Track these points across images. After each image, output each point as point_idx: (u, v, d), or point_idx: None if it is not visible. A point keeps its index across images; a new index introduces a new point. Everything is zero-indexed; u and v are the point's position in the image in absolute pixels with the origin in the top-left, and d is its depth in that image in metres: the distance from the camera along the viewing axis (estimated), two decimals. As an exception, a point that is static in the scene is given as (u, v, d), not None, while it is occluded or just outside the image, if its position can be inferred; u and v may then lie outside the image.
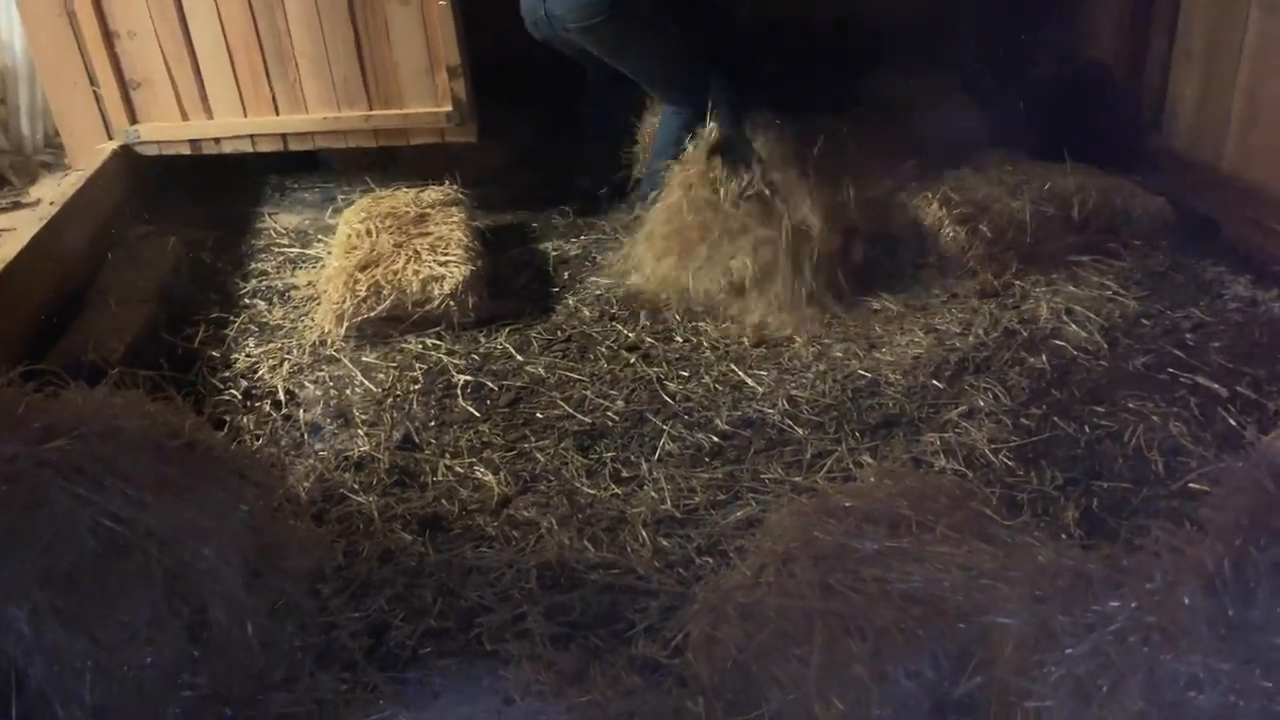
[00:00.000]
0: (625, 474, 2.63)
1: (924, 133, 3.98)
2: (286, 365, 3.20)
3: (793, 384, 2.95)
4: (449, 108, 3.85)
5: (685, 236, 3.46)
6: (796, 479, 2.56)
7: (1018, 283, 3.35)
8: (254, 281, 3.74)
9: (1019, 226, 3.41)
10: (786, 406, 2.86)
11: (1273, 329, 3.03)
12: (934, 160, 3.79)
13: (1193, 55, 3.93)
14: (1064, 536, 2.25)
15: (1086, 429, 2.67)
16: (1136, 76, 4.14)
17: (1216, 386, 2.77)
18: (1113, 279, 3.34)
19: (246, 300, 3.61)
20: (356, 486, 2.63)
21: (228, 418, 2.94)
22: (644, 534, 2.40)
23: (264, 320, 3.47)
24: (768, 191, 3.41)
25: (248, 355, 3.27)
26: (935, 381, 2.92)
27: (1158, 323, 3.11)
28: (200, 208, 4.29)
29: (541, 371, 3.09)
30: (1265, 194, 3.54)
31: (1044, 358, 2.97)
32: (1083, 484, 2.47)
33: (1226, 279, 3.33)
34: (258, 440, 2.84)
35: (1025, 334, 3.10)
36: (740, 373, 3.02)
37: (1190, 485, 2.33)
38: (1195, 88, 3.92)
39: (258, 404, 3.02)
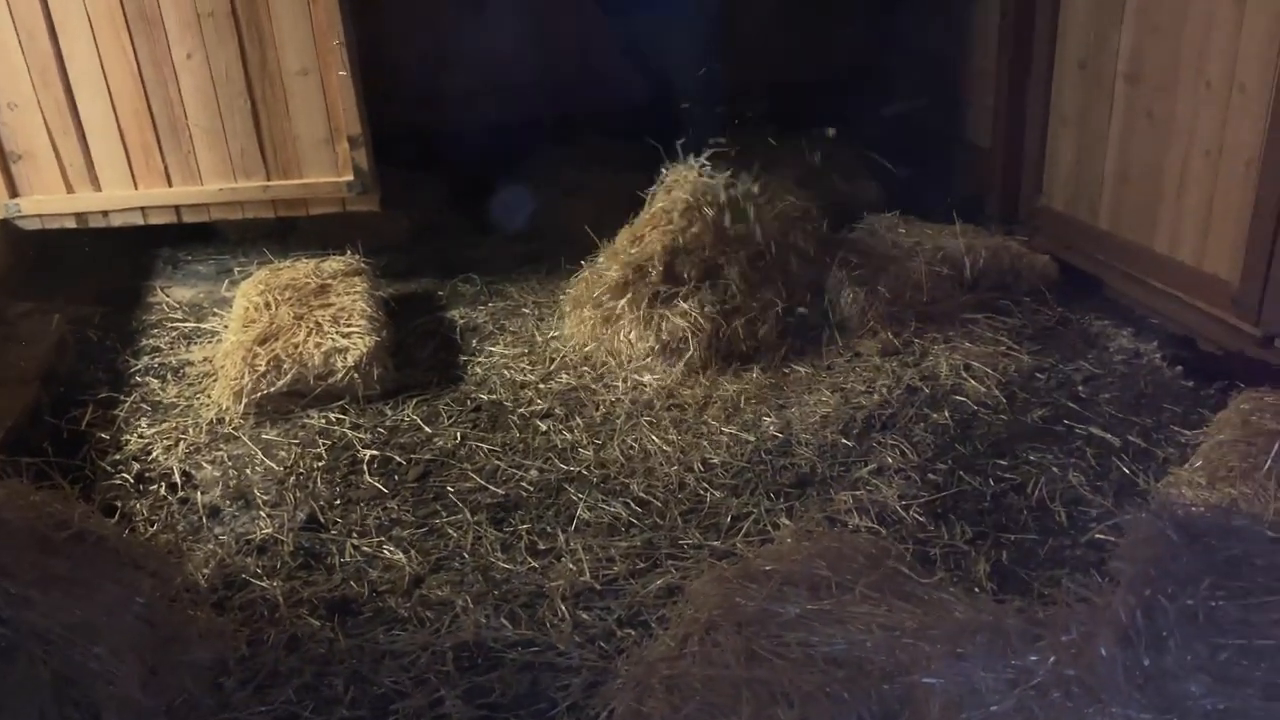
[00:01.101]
0: (542, 546, 2.59)
1: (826, 197, 4.11)
2: (182, 445, 3.07)
3: (708, 447, 2.96)
4: (350, 177, 3.81)
5: (604, 302, 3.48)
6: (715, 543, 2.56)
7: (917, 341, 3.44)
8: (146, 358, 3.60)
9: (915, 287, 3.52)
10: (702, 470, 2.86)
11: (1156, 379, 3.18)
12: (833, 222, 3.90)
13: (1068, 121, 4.16)
14: (977, 590, 2.29)
15: (991, 482, 2.74)
16: (1018, 143, 4.36)
17: (1109, 436, 2.89)
18: (1006, 335, 3.47)
19: (138, 378, 3.47)
20: (259, 571, 2.52)
21: (119, 504, 2.80)
22: (563, 608, 2.35)
23: (157, 399, 3.33)
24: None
25: (140, 436, 3.13)
26: (844, 440, 2.96)
27: (1051, 376, 3.24)
28: (87, 282, 4.13)
29: (452, 443, 3.04)
30: (1138, 250, 3.75)
31: (946, 413, 3.05)
32: (991, 537, 2.53)
33: (1111, 332, 3.49)
34: (152, 527, 2.71)
35: (927, 390, 3.18)
36: (656, 437, 3.01)
37: (1097, 536, 2.40)
38: (1071, 152, 4.15)
39: (152, 488, 2.88)
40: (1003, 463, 2.82)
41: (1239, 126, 3.30)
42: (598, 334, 3.45)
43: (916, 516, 2.61)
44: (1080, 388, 3.17)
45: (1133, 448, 2.84)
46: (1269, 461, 2.29)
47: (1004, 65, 4.42)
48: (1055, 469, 2.77)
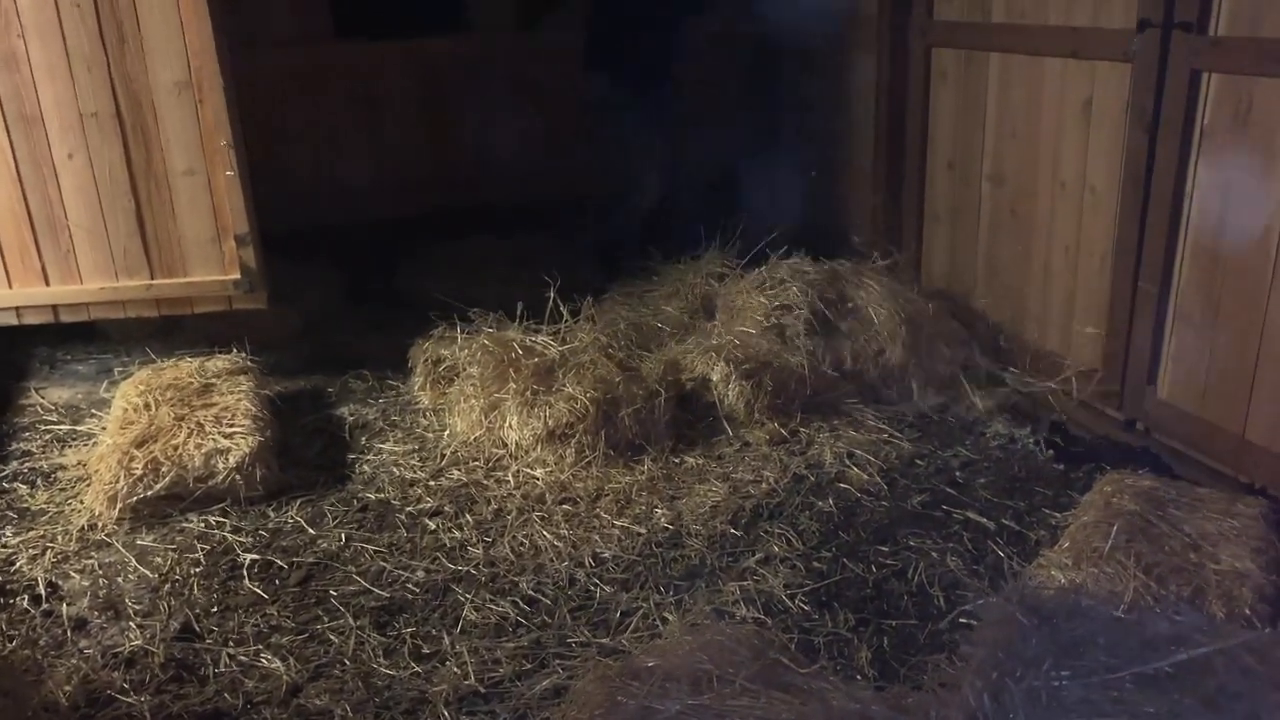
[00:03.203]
0: (426, 650, 2.53)
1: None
2: (49, 554, 2.94)
3: (598, 541, 2.96)
4: (237, 275, 3.77)
5: (495, 393, 3.49)
6: (604, 640, 2.54)
7: (803, 430, 3.53)
8: (15, 463, 3.45)
9: (799, 379, 3.62)
10: (593, 565, 2.86)
11: (1029, 463, 3.31)
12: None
13: (940, 218, 4.39)
14: (859, 678, 2.32)
15: (874, 568, 2.80)
16: (895, 238, 4.57)
17: (985, 521, 2.99)
18: (887, 423, 3.58)
19: (4, 485, 3.32)
20: (127, 686, 2.40)
21: (-25, 619, 2.65)
22: (446, 714, 2.29)
23: (24, 506, 3.19)
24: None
25: (4, 546, 2.98)
26: (733, 529, 3.00)
27: (930, 462, 3.34)
28: (-47, 385, 3.98)
29: (336, 545, 2.97)
30: (1009, 333, 3.94)
31: (831, 501, 3.12)
32: (873, 624, 2.57)
33: (986, 418, 3.63)
34: (11, 642, 2.56)
35: (813, 479, 3.25)
36: (546, 533, 3.00)
37: (960, 620, 2.47)
38: (945, 245, 4.37)
39: (13, 600, 2.74)
40: (884, 549, 2.89)
41: (1092, 224, 3.54)
42: (483, 421, 3.45)
43: (802, 605, 2.65)
44: (958, 473, 3.28)
45: (1007, 531, 2.94)
46: (1111, 544, 2.39)
47: (880, 165, 4.66)
48: (934, 554, 2.85)
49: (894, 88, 4.50)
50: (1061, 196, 3.66)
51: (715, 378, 3.61)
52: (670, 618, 2.60)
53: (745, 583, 2.74)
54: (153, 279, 3.76)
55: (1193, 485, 2.91)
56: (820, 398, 3.64)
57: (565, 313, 3.85)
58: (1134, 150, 3.25)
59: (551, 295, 3.83)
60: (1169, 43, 3.07)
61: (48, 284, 3.72)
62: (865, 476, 3.25)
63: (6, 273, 3.68)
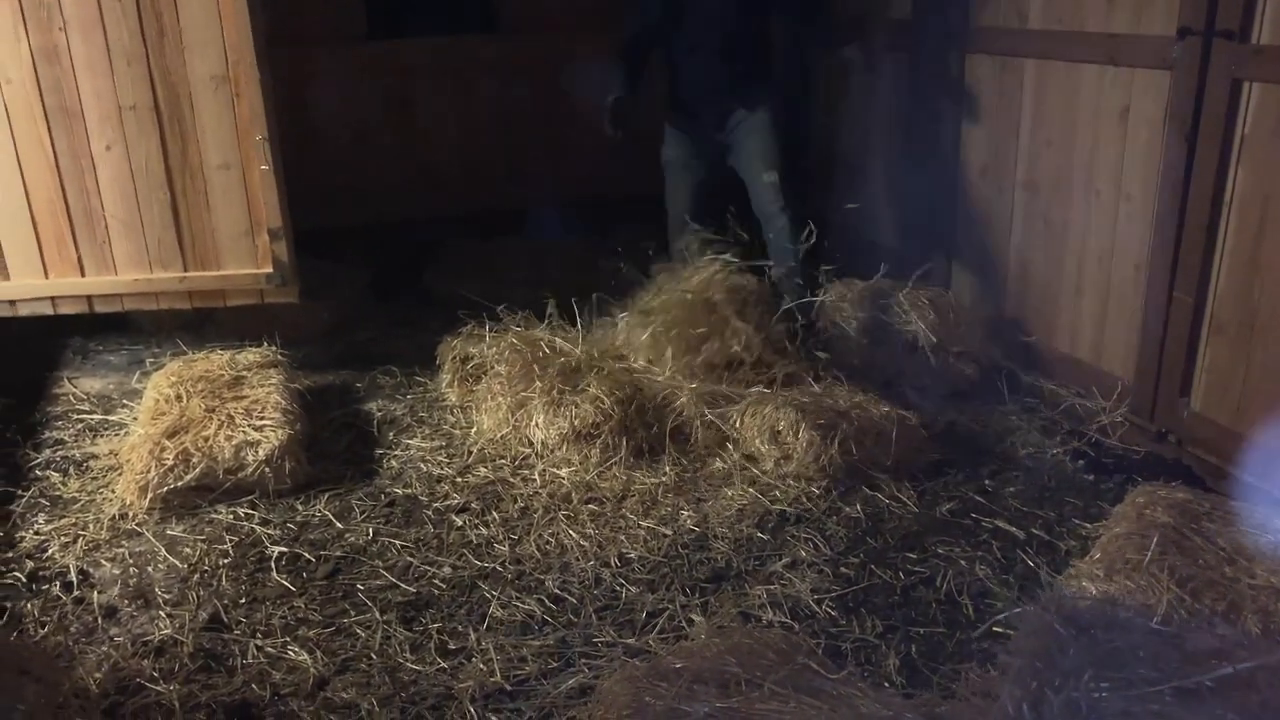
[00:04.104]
0: (452, 646, 2.53)
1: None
2: (81, 542, 2.96)
3: (624, 541, 2.96)
4: (269, 269, 3.80)
5: (521, 391, 3.50)
6: (629, 640, 2.54)
7: (831, 433, 3.50)
8: (47, 452, 3.48)
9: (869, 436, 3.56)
10: (618, 565, 2.85)
11: (1058, 473, 3.28)
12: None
13: (973, 225, 4.36)
14: (886, 685, 2.30)
15: (902, 575, 2.78)
16: (924, 246, 4.55)
17: (1014, 530, 2.96)
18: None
19: (38, 472, 3.35)
20: (156, 674, 2.42)
21: (9, 604, 2.68)
22: (472, 710, 2.30)
23: (57, 494, 3.22)
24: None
25: (36, 533, 3.01)
26: (759, 533, 2.99)
27: (960, 470, 3.31)
28: (-11, 373, 4.03)
29: (363, 539, 2.98)
30: (1039, 341, 3.91)
31: (858, 506, 3.10)
32: (901, 631, 2.55)
33: (1015, 427, 3.59)
34: (43, 629, 2.59)
35: (841, 484, 3.23)
36: (572, 532, 3.00)
37: (994, 629, 2.44)
38: (976, 252, 4.34)
39: (45, 587, 2.77)
40: (913, 556, 2.87)
41: (1127, 232, 3.50)
42: (510, 420, 3.46)
43: (829, 610, 2.63)
44: (987, 481, 3.25)
45: (1036, 541, 2.92)
46: (1164, 556, 2.36)
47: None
48: (963, 562, 2.83)
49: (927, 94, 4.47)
50: (1096, 205, 3.63)
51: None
52: (696, 619, 2.60)
53: (772, 587, 2.73)
54: (186, 271, 3.79)
55: (1226, 499, 2.87)
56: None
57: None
58: (1172, 158, 3.22)
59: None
60: (1210, 51, 3.04)
61: (83, 275, 3.76)
62: (894, 483, 3.22)
63: (43, 263, 3.72)
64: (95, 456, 3.44)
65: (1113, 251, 3.59)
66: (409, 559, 2.89)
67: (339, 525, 3.05)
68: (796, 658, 2.15)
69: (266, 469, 3.16)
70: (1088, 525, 2.96)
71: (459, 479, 3.32)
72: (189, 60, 3.54)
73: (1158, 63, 3.24)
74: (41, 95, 3.52)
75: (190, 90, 3.58)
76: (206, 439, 3.17)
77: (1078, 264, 3.75)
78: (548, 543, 2.96)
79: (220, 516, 3.08)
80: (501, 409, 3.52)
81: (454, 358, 3.88)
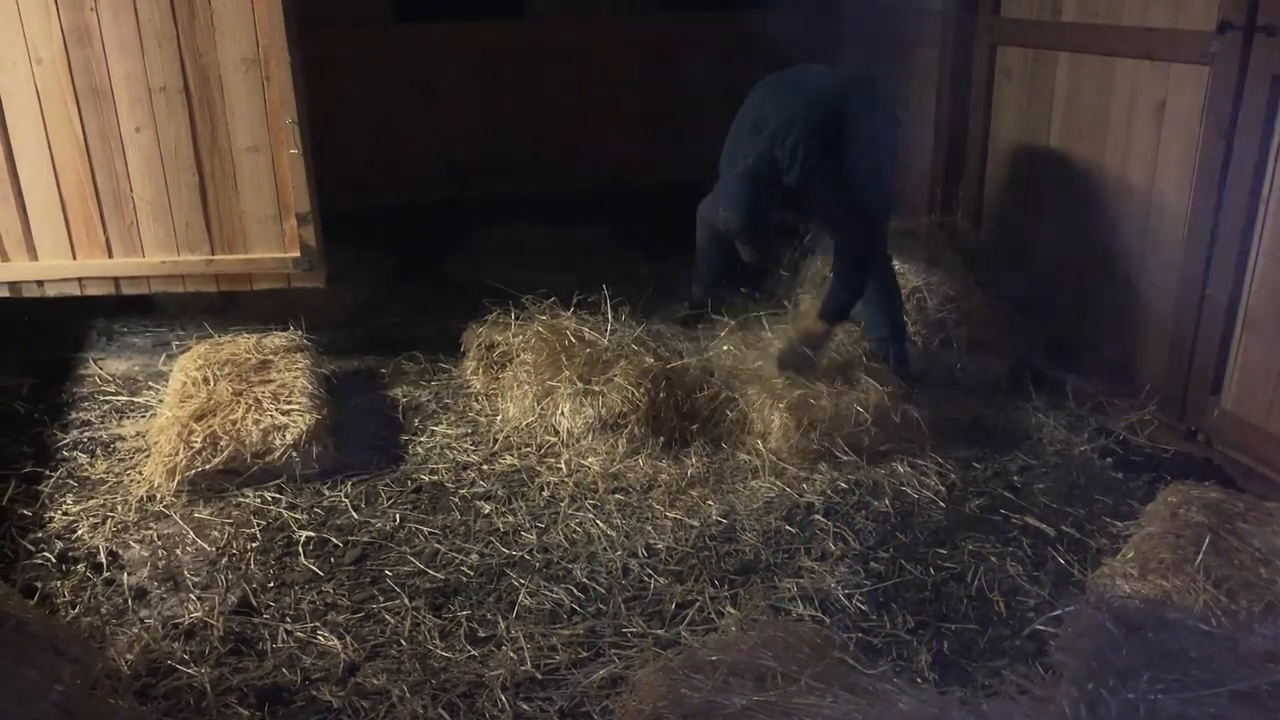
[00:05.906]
0: (482, 634, 2.53)
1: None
2: (109, 524, 2.97)
3: (651, 531, 2.95)
4: (297, 253, 3.79)
5: (548, 380, 3.49)
6: (659, 631, 2.53)
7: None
8: (74, 433, 3.49)
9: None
10: (646, 556, 2.84)
11: (1088, 470, 3.26)
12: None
13: (1002, 220, 4.33)
14: (920, 681, 2.29)
15: (932, 571, 2.77)
16: (954, 241, 4.52)
17: (1044, 527, 2.95)
18: (943, 425, 3.52)
19: (65, 453, 3.36)
20: (186, 657, 2.43)
21: (40, 584, 2.69)
22: (503, 698, 2.29)
23: (85, 475, 3.23)
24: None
25: (65, 514, 3.02)
26: (788, 526, 2.97)
27: (988, 466, 3.29)
28: (12, 353, 4.02)
29: (390, 525, 2.98)
30: (1069, 337, 3.88)
31: (887, 501, 3.09)
32: (933, 626, 2.54)
33: (1045, 423, 3.56)
34: (74, 609, 2.59)
35: (869, 479, 3.21)
36: (600, 521, 2.99)
37: (1037, 628, 2.42)
38: (1007, 247, 4.31)
39: (75, 568, 2.77)
40: (942, 551, 2.85)
41: (1159, 228, 3.47)
42: (536, 408, 3.45)
43: (859, 605, 2.62)
44: (1016, 478, 3.23)
45: (1067, 538, 2.90)
46: (1199, 555, 2.34)
47: (938, 165, 4.61)
48: (993, 558, 2.81)
49: (956, 86, 4.44)
50: (1129, 199, 3.59)
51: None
52: (728, 611, 2.59)
53: (801, 580, 2.72)
54: (213, 254, 3.79)
55: (1260, 499, 2.85)
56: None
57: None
58: (1209, 154, 3.19)
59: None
60: (1250, 46, 3.00)
61: (110, 256, 3.76)
62: (922, 478, 3.21)
63: (71, 244, 3.72)
64: (122, 438, 3.44)
65: (1144, 247, 3.56)
66: (436, 545, 2.89)
67: (366, 510, 3.05)
68: (831, 652, 2.15)
69: (294, 453, 3.16)
70: (1118, 523, 2.94)
71: (485, 466, 3.31)
72: (220, 42, 3.53)
73: (1196, 58, 3.21)
74: (72, 76, 3.52)
75: (220, 72, 3.57)
76: (234, 422, 3.17)
77: (1109, 258, 3.72)
78: (575, 531, 2.96)
79: (247, 500, 3.09)
80: (527, 397, 3.51)
81: (479, 344, 3.87)
